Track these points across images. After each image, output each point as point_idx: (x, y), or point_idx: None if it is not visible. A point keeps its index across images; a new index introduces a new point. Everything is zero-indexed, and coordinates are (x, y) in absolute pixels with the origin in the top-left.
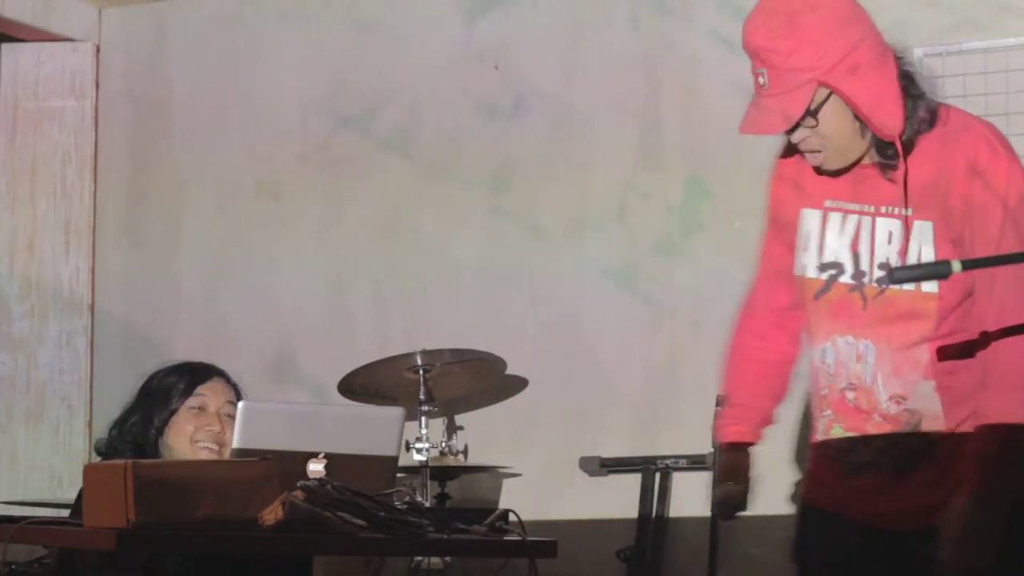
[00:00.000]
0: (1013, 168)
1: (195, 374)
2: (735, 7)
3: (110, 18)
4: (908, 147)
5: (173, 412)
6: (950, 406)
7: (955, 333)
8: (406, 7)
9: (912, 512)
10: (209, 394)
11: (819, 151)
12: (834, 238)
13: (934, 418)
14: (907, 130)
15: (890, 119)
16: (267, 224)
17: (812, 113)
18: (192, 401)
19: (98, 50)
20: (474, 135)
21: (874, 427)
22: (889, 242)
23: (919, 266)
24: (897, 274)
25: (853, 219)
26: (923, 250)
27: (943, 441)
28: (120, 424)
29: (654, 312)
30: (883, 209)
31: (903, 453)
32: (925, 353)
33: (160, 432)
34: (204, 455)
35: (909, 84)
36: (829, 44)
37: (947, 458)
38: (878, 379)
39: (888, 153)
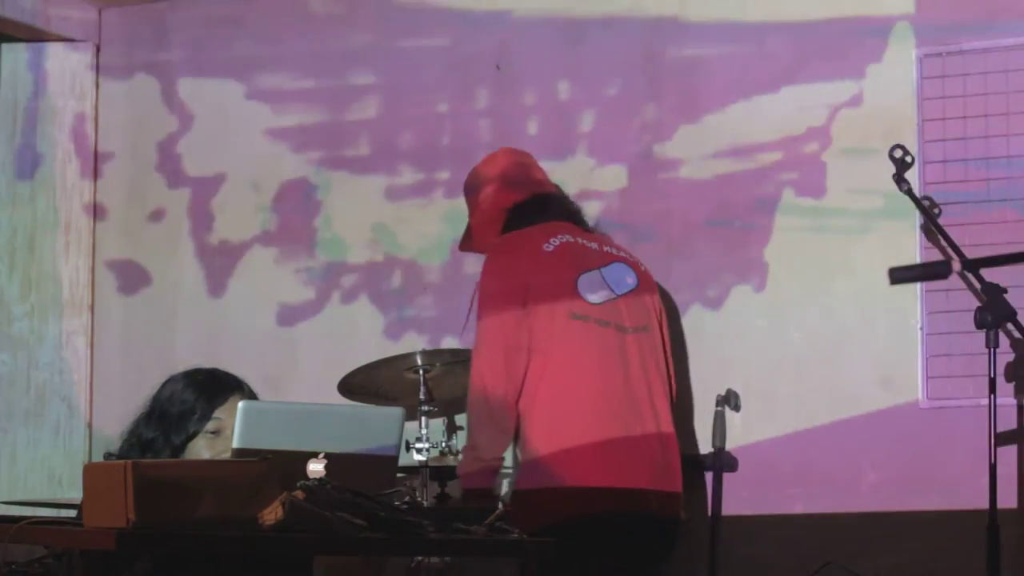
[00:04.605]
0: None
1: (212, 394)
2: (735, 7)
3: (110, 18)
4: None
5: (191, 437)
6: None
7: None
8: (406, 7)
9: None
10: (226, 417)
11: None
12: None
13: None
14: None
15: None
16: (267, 224)
17: None
18: (210, 425)
19: (98, 50)
20: (474, 134)
21: None
22: None
23: (918, 265)
24: (896, 274)
25: None
26: None
27: None
28: (134, 437)
29: None
30: None
31: None
32: None
33: (176, 456)
34: None
35: None
36: None
37: None
38: None
39: None
